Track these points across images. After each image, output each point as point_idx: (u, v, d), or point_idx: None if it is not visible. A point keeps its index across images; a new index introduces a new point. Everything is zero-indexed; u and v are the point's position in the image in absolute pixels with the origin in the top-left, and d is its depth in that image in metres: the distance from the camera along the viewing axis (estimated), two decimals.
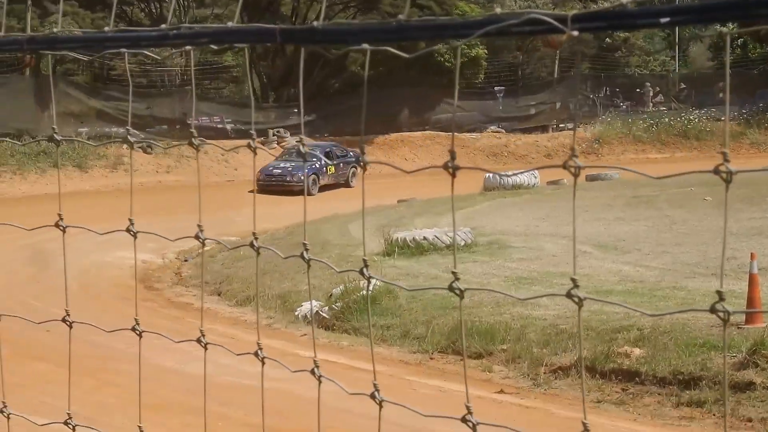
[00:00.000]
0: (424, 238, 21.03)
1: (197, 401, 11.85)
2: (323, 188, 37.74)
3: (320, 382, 2.44)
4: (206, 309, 19.11)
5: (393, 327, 15.85)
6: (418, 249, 20.79)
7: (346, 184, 39.50)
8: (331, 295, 17.58)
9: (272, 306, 18.40)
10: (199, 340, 2.69)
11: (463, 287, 2.07)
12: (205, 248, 22.66)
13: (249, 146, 2.69)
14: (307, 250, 2.38)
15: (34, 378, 12.33)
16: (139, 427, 2.78)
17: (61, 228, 2.81)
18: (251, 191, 34.16)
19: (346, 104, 44.44)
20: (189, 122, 44.44)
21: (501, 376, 13.87)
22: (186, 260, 24.55)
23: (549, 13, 1.76)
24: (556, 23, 1.73)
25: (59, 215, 2.77)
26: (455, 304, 16.32)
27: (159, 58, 36.56)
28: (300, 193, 35.87)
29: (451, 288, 2.07)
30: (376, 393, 2.29)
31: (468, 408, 2.11)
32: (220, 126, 45.22)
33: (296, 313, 17.57)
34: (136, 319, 2.76)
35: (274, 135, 45.14)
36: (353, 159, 39.75)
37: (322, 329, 16.68)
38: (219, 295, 20.53)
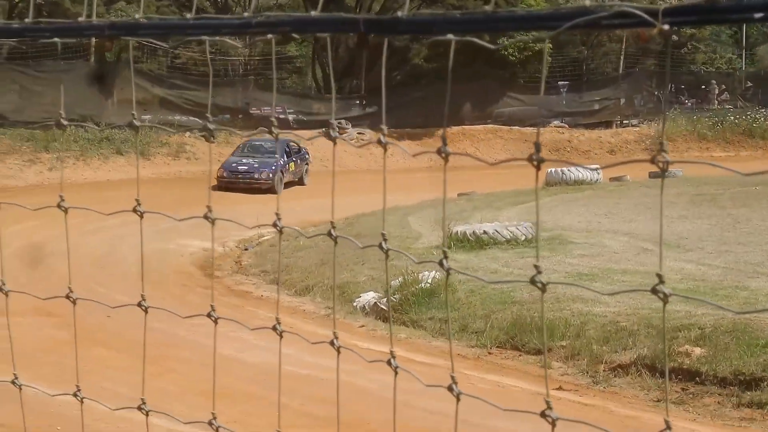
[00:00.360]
0: (484, 232, 20.95)
1: (257, 389, 11.91)
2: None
3: (396, 373, 2.43)
4: (265, 298, 19.19)
5: (452, 320, 15.80)
6: (477, 243, 20.70)
7: (300, 182, 37.43)
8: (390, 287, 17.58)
9: (331, 296, 18.43)
10: (274, 328, 2.69)
11: (545, 281, 2.05)
12: (265, 237, 22.80)
13: (328, 136, 2.68)
14: (385, 240, 2.36)
15: (95, 363, 12.43)
16: (213, 414, 2.78)
17: (139, 213, 2.82)
18: (215, 186, 34.09)
19: (408, 96, 44.37)
20: (252, 112, 44.64)
21: (559, 373, 13.77)
22: (246, 249, 24.65)
23: (640, 6, 1.73)
24: (646, 16, 1.70)
25: (137, 201, 2.78)
26: (515, 298, 16.26)
27: (239, 45, 36.55)
28: (267, 191, 33.73)
29: (533, 281, 2.05)
30: (453, 386, 2.27)
31: (548, 403, 2.08)
32: (282, 116, 45.36)
33: (355, 304, 17.58)
34: (212, 305, 2.76)
35: (336, 126, 45.26)
36: (307, 156, 38.40)
37: (379, 321, 16.68)
38: (278, 284, 20.61)
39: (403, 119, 43.72)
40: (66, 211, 2.88)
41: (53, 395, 3.48)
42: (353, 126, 45.45)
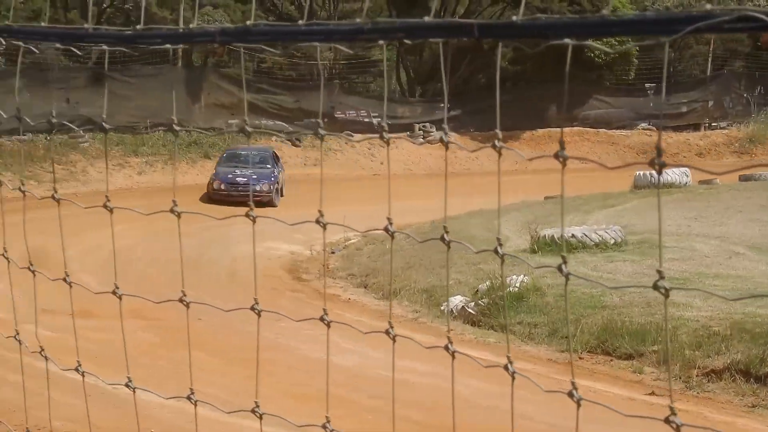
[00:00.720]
0: (572, 236, 20.76)
1: (347, 393, 11.89)
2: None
3: (514, 378, 2.38)
4: (352, 301, 19.22)
5: (540, 325, 15.68)
6: (567, 246, 20.52)
7: (279, 193, 34.67)
8: (477, 291, 17.49)
9: (418, 300, 18.40)
10: (387, 332, 2.66)
11: (668, 286, 2.00)
12: (351, 241, 22.81)
13: (381, 137, 2.65)
14: (500, 245, 2.32)
15: (187, 366, 12.51)
16: (326, 417, 2.76)
17: (251, 218, 2.82)
18: (205, 198, 32.80)
19: (492, 99, 44.20)
20: (337, 116, 44.79)
21: (652, 378, 13.60)
22: (333, 252, 24.72)
23: (763, 11, 1.69)
24: None
25: (250, 206, 2.78)
26: (605, 303, 16.08)
27: (350, 51, 36.34)
28: (267, 204, 31.78)
29: (655, 287, 2.00)
30: (573, 392, 2.22)
31: (672, 409, 2.01)
32: (366, 120, 45.45)
33: (442, 308, 17.52)
34: (324, 309, 2.73)
35: (420, 129, 45.19)
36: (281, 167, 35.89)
37: (468, 325, 16.61)
38: (365, 287, 20.63)
39: (487, 122, 43.56)
40: (179, 215, 2.90)
41: (167, 398, 3.48)
42: (437, 129, 45.38)
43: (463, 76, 46.46)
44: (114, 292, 3.19)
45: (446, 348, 2.54)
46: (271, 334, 15.53)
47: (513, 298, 16.70)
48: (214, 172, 34.08)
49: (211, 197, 32.12)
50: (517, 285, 16.91)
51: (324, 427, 2.83)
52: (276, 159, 35.81)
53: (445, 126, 2.50)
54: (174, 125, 3.20)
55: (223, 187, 32.89)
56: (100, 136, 38.38)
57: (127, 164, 37.46)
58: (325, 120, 44.15)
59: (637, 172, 33.23)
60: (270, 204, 31.84)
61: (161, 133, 39.36)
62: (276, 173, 34.06)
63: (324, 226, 2.73)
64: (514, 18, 2.01)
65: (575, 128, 47.79)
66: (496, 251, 2.35)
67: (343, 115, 45.32)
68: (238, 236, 23.08)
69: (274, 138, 41.29)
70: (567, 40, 1.97)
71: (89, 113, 36.50)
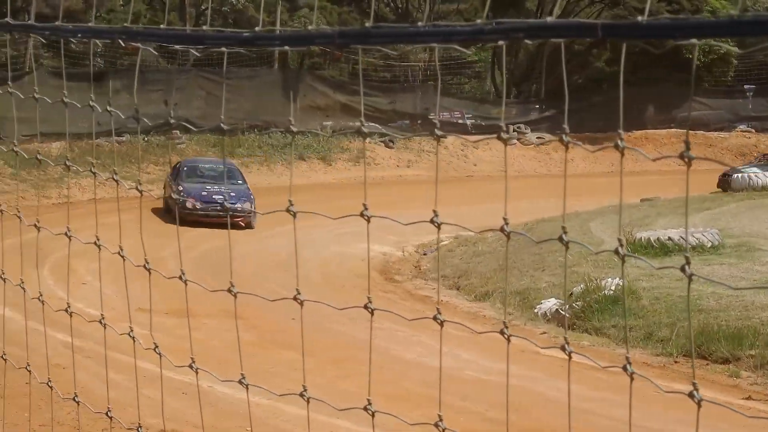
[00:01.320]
0: (669, 239, 20.49)
1: (436, 393, 11.90)
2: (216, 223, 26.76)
3: (633, 379, 2.37)
4: (445, 303, 19.18)
5: (635, 328, 15.51)
6: (662, 249, 20.25)
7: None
8: (571, 294, 17.36)
9: (511, 302, 18.33)
10: (502, 332, 2.66)
11: None
12: (443, 243, 22.79)
13: (499, 137, 2.65)
14: (622, 245, 2.31)
15: (281, 365, 12.62)
16: (439, 415, 2.77)
17: (366, 218, 2.85)
18: (183, 217, 25.62)
19: (588, 100, 43.84)
20: (431, 117, 44.79)
21: (749, 382, 13.40)
22: (425, 254, 24.72)
23: None
24: None
25: (364, 205, 2.81)
26: (701, 306, 15.86)
27: (469, 52, 35.97)
28: (246, 226, 27.08)
29: None
30: (695, 392, 2.20)
31: None
32: (460, 121, 45.39)
33: (536, 311, 17.42)
34: (437, 308, 2.75)
35: (514, 131, 45.00)
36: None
37: (561, 328, 16.51)
38: (457, 289, 20.60)
39: (582, 123, 43.20)
40: (294, 215, 2.96)
41: (280, 394, 3.52)
42: (532, 130, 45.17)
43: (560, 77, 46.19)
44: (229, 290, 3.26)
45: (562, 348, 2.53)
46: (365, 335, 15.59)
47: (608, 301, 16.55)
48: (177, 187, 28.41)
49: (183, 217, 25.55)
50: (612, 288, 16.76)
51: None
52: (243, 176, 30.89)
53: (566, 126, 2.49)
54: (291, 126, 3.25)
55: (198, 206, 27.60)
56: (196, 138, 38.84)
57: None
58: (419, 122, 44.20)
59: (735, 175, 32.72)
60: (249, 226, 26.97)
61: (257, 134, 39.71)
62: (249, 191, 29.21)
63: (438, 226, 2.83)
64: (639, 18, 2.01)
65: (672, 130, 47.20)
66: (616, 252, 2.35)
67: (435, 117, 45.33)
68: (328, 238, 23.19)
69: (367, 140, 41.43)
70: (693, 40, 1.96)
71: (186, 114, 36.97)
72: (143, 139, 35.16)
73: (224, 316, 15.53)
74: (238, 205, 27.90)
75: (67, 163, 4.01)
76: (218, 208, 26.97)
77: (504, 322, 2.64)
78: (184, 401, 10.92)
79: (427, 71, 48.22)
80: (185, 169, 30.14)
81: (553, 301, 17.48)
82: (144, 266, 3.77)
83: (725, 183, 33.84)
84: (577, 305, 16.61)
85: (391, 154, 41.98)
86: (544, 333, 16.27)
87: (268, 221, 24.73)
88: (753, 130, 49.12)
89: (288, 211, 2.99)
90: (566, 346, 2.55)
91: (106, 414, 3.93)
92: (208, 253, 20.76)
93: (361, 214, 2.89)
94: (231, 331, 14.20)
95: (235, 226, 27.00)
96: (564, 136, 2.51)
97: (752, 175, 32.44)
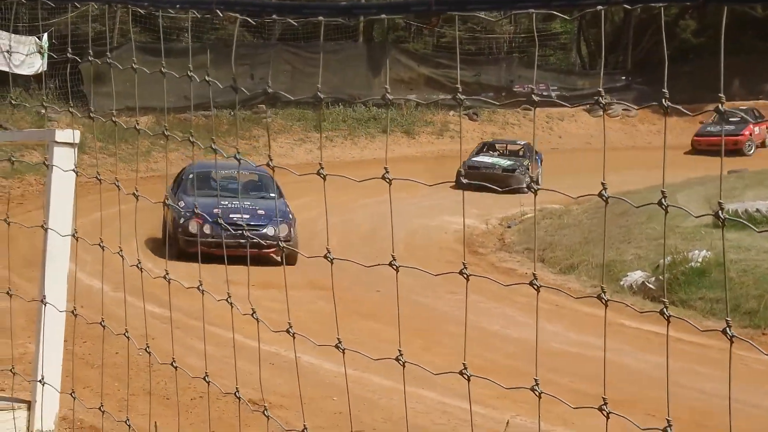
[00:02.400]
0: (757, 210, 20.22)
1: (520, 364, 11.92)
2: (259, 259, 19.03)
3: (731, 342, 2.39)
4: (528, 275, 19.13)
5: (722, 300, 15.38)
6: (750, 221, 19.98)
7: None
8: (657, 266, 17.24)
9: (596, 275, 18.24)
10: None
11: None
12: (528, 215, 22.69)
13: (598, 103, 2.66)
14: (722, 209, 2.33)
15: (366, 336, 12.72)
16: (535, 380, 2.81)
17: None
18: (182, 248, 18.73)
19: (675, 71, 43.29)
20: (515, 89, 44.54)
21: None
22: (509, 226, 24.68)
23: None
24: None
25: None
26: None
27: (567, 17, 35.46)
28: (287, 261, 18.42)
29: None
30: None
31: None
32: (545, 93, 45.10)
33: (622, 283, 17.33)
34: (534, 273, 2.78)
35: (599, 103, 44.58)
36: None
37: (647, 300, 16.40)
38: (542, 261, 20.55)
39: (670, 95, 42.63)
40: (390, 182, 3.02)
41: (376, 359, 3.59)
42: (618, 102, 44.72)
43: (645, 48, 45.68)
44: (326, 257, 3.33)
45: (661, 312, 2.55)
46: (446, 307, 15.65)
47: (695, 274, 16.42)
48: (175, 201, 20.16)
49: (182, 248, 18.60)
50: (699, 260, 16.61)
51: (533, 389, 2.90)
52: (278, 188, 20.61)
53: (665, 90, 2.49)
54: (387, 94, 3.29)
55: (208, 230, 18.96)
56: (281, 112, 39.06)
57: (308, 139, 38.07)
58: (503, 94, 44.00)
59: None
60: (289, 260, 18.64)
61: (341, 108, 39.82)
62: (288, 210, 20.17)
63: (535, 193, 2.95)
64: None
65: (760, 101, 46.42)
66: (717, 215, 2.37)
67: (521, 89, 45.05)
68: (411, 210, 23.25)
69: (451, 112, 41.34)
70: None
71: (272, 89, 37.15)
72: (229, 113, 35.42)
73: (309, 288, 15.69)
74: (268, 230, 19.62)
75: (165, 132, 4.09)
76: (237, 233, 17.03)
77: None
78: (272, 371, 11.07)
79: (512, 43, 47.96)
80: (191, 177, 21.04)
81: (639, 273, 17.37)
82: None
83: None
84: (664, 277, 16.50)
85: (475, 127, 41.87)
86: (631, 305, 16.18)
87: (353, 193, 24.90)
88: None
89: (383, 178, 3.04)
90: (665, 310, 2.56)
91: (204, 379, 4.01)
92: (304, 223, 20.68)
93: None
94: (315, 303, 14.37)
95: (267, 262, 18.92)
96: (664, 100, 2.50)
97: None
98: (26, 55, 32.54)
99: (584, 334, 14.02)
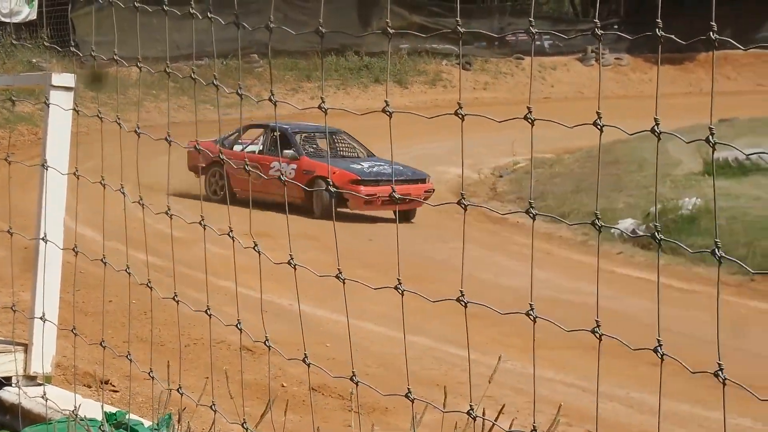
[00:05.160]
0: (747, 158, 20.31)
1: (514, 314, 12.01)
2: None
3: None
4: (520, 224, 19.24)
5: (712, 247, 15.48)
6: (740, 169, 20.10)
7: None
8: (648, 214, 17.35)
9: (586, 223, 18.33)
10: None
11: None
12: (519, 165, 22.72)
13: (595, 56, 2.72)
14: (713, 134, 2.40)
15: (359, 284, 12.78)
16: (531, 305, 2.89)
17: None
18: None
19: (668, 21, 43.14)
20: (508, 39, 44.40)
21: None
22: (501, 176, 24.73)
23: None
24: None
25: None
26: None
27: None
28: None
29: None
30: None
31: None
32: (537, 42, 44.94)
33: (612, 231, 17.43)
34: (530, 205, 2.86)
35: (592, 52, 44.51)
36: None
37: (638, 248, 16.52)
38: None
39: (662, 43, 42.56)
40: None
41: (376, 288, 3.67)
42: (610, 51, 44.64)
43: None
44: (327, 189, 3.34)
45: (653, 237, 2.62)
46: (440, 255, 15.74)
47: (685, 221, 16.53)
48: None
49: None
50: (690, 208, 16.72)
51: (527, 313, 2.97)
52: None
53: (660, 31, 2.55)
54: (388, 28, 3.33)
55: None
56: (274, 62, 38.94)
57: (300, 89, 38.00)
58: (496, 43, 43.88)
59: None
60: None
61: (333, 57, 39.69)
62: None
63: (532, 121, 3.04)
64: None
65: (751, 51, 46.35)
66: (707, 140, 2.43)
67: (513, 38, 44.92)
68: (403, 159, 23.27)
69: (444, 62, 41.25)
70: None
71: (264, 38, 37.05)
72: (222, 63, 35.26)
73: (302, 238, 15.75)
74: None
75: (166, 69, 4.14)
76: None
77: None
78: (266, 318, 11.15)
79: None
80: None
81: (630, 221, 17.48)
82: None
83: None
84: (654, 225, 16.60)
85: (468, 76, 41.80)
86: (620, 253, 16.31)
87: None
88: None
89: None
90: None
91: (206, 312, 4.07)
92: None
93: (455, 113, 3.00)
94: (307, 253, 14.44)
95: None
96: (657, 30, 2.55)
97: None
98: (13, 3, 32.41)
99: (574, 280, 14.12)
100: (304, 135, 20.92)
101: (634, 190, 19.38)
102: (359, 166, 19.79)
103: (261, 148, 20.80)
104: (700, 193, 17.55)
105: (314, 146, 20.94)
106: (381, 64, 39.91)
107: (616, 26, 46.53)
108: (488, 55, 42.77)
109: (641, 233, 16.69)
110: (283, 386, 9.12)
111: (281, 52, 37.98)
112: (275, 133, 19.99)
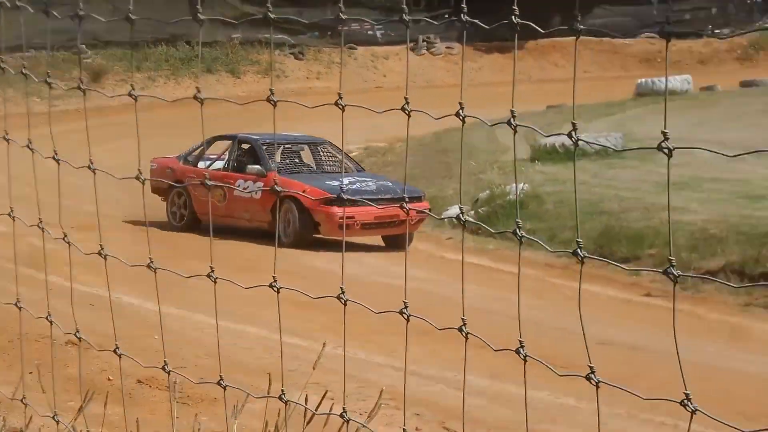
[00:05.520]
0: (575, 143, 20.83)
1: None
2: None
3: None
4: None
5: (540, 231, 15.87)
6: (566, 155, 20.61)
7: None
8: (477, 200, 17.66)
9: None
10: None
11: (672, 146, 2.45)
12: (353, 153, 22.66)
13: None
14: (514, 116, 2.47)
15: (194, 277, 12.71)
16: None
17: (272, 103, 2.95)
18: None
19: (496, 8, 43.99)
20: (340, 29, 44.57)
21: (648, 280, 13.87)
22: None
23: None
24: None
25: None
26: (603, 209, 16.29)
27: None
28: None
29: (659, 148, 2.46)
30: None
31: (686, 395, 2.41)
32: (370, 33, 45.24)
33: (442, 217, 17.70)
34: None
35: (423, 41, 45.01)
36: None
37: (468, 233, 16.79)
38: None
39: (491, 32, 43.34)
40: (202, 102, 3.08)
41: (219, 278, 3.66)
42: (441, 40, 45.21)
43: None
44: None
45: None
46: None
47: (513, 206, 16.89)
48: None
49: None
50: (520, 193, 17.09)
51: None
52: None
53: (465, 17, 2.62)
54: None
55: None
56: (103, 52, 38.27)
57: (130, 80, 37.46)
58: (329, 33, 44.01)
59: (639, 80, 33.21)
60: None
61: (164, 47, 39.23)
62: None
63: (342, 107, 2.88)
64: None
65: (580, 38, 47.53)
66: (508, 123, 2.75)
67: (346, 28, 45.09)
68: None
69: (277, 51, 41.18)
70: None
71: (93, 29, 36.39)
72: (52, 54, 34.49)
73: (132, 231, 15.54)
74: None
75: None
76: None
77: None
78: (92, 312, 10.99)
79: None
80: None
81: (456, 207, 17.76)
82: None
83: None
84: (483, 210, 16.92)
85: (301, 66, 41.84)
86: (450, 238, 16.58)
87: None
88: (657, 36, 49.58)
89: (195, 97, 3.11)
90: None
91: (17, 305, 4.02)
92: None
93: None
94: (138, 245, 14.24)
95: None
96: (464, 21, 2.62)
97: (655, 80, 32.86)
98: None
99: (399, 265, 14.22)
100: (281, 147, 18.06)
101: (464, 177, 19.70)
102: (336, 183, 16.72)
103: (226, 165, 18.21)
104: (527, 179, 17.96)
105: (295, 160, 18.45)
106: (213, 54, 39.61)
107: (446, 15, 47.16)
108: (321, 45, 42.90)
109: (469, 218, 17.00)
110: (109, 380, 9.03)
111: (110, 42, 37.38)
112: (244, 146, 18.26)
